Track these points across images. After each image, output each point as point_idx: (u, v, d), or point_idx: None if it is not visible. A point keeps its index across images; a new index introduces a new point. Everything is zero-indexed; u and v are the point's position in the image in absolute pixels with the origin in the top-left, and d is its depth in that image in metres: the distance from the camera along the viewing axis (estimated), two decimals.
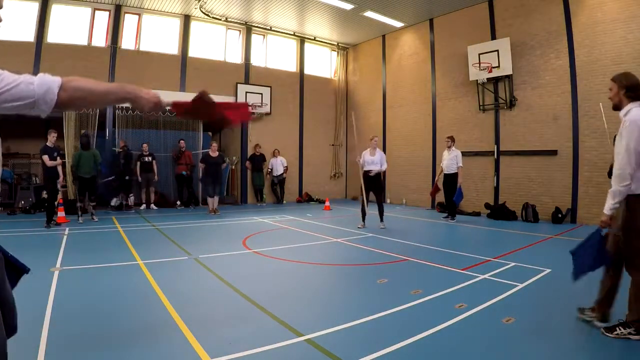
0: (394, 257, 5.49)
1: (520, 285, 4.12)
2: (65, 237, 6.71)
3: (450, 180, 9.05)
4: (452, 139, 9.21)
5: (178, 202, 11.50)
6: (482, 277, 4.46)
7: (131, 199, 10.75)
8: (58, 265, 4.85)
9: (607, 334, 2.93)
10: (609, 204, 2.91)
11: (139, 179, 10.87)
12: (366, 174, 7.97)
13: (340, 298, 3.99)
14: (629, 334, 2.85)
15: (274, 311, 3.37)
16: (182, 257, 5.43)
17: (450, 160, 9.03)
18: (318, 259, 5.48)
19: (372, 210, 8.39)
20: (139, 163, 10.86)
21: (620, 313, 2.97)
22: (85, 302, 3.58)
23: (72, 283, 4.13)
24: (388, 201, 13.53)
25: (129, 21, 11.35)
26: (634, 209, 2.88)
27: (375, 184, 7.99)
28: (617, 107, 3.01)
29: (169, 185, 11.84)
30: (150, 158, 10.94)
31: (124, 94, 1.45)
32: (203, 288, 4.10)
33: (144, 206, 10.96)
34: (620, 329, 2.90)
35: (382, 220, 8.01)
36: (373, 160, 7.79)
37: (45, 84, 1.25)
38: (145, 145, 10.97)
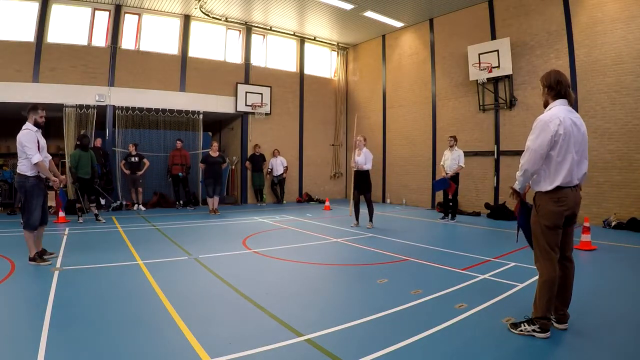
0: (394, 257, 5.49)
1: (520, 285, 4.12)
2: (65, 237, 6.72)
3: (453, 180, 9.04)
4: (455, 138, 9.21)
5: (177, 203, 11.47)
6: (482, 277, 4.46)
7: (102, 201, 10.38)
8: (58, 265, 4.85)
9: (512, 330, 2.94)
10: (515, 184, 3.10)
11: (134, 175, 10.78)
12: (355, 171, 8.26)
13: (340, 298, 3.98)
14: (533, 331, 2.86)
15: (274, 311, 3.37)
16: (182, 257, 5.44)
17: (453, 160, 9.03)
18: (318, 259, 5.48)
19: (365, 209, 8.36)
20: (123, 162, 10.76)
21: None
22: (85, 302, 3.58)
23: (72, 283, 4.13)
24: (388, 201, 13.54)
25: (129, 21, 11.35)
26: (539, 205, 2.96)
27: (362, 182, 8.14)
28: (545, 105, 3.06)
29: (168, 186, 11.82)
30: (137, 158, 10.81)
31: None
32: (203, 288, 4.10)
33: (142, 207, 10.93)
34: (524, 326, 2.91)
35: (370, 220, 8.19)
36: (358, 160, 8.10)
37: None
38: (131, 145, 10.87)
